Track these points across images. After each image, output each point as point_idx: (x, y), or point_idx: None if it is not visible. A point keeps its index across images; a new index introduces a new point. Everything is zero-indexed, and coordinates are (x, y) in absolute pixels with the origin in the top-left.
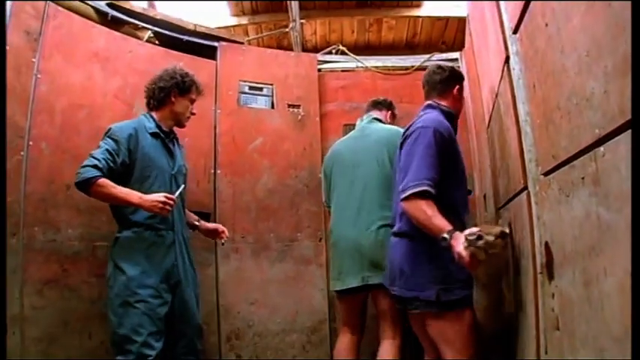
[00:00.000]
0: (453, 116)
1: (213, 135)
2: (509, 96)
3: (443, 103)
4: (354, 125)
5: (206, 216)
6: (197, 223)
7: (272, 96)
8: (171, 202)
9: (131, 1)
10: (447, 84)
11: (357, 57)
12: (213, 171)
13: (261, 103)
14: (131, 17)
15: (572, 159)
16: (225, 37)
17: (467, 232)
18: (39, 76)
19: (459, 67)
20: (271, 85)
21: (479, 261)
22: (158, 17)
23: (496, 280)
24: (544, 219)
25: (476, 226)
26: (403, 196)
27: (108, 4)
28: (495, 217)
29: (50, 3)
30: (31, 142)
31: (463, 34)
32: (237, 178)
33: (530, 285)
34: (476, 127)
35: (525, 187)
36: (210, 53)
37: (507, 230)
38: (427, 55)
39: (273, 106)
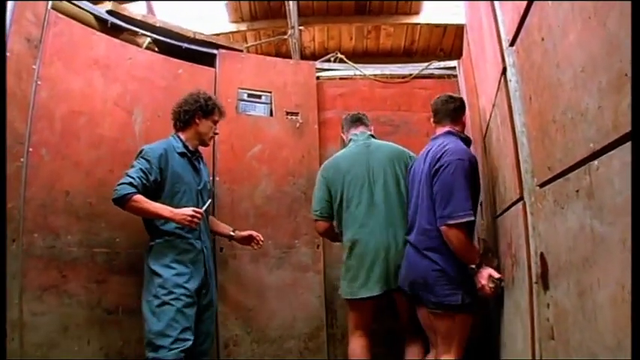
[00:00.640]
0: (470, 143)
1: (212, 142)
2: (506, 107)
3: (457, 129)
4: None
5: None
6: (232, 233)
7: (270, 103)
8: (199, 215)
9: (132, 3)
10: (459, 112)
11: (356, 65)
12: (212, 178)
13: (259, 110)
14: (131, 25)
15: (567, 172)
16: (224, 45)
17: (493, 272)
18: (39, 82)
19: (456, 75)
20: (270, 92)
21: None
22: (158, 25)
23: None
24: (539, 230)
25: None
26: (451, 222)
27: (108, 12)
28: (492, 226)
29: (51, 10)
30: (31, 149)
31: (461, 41)
32: (236, 185)
33: (526, 294)
34: (473, 135)
35: (521, 198)
36: (209, 60)
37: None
38: (425, 64)
39: (271, 114)
